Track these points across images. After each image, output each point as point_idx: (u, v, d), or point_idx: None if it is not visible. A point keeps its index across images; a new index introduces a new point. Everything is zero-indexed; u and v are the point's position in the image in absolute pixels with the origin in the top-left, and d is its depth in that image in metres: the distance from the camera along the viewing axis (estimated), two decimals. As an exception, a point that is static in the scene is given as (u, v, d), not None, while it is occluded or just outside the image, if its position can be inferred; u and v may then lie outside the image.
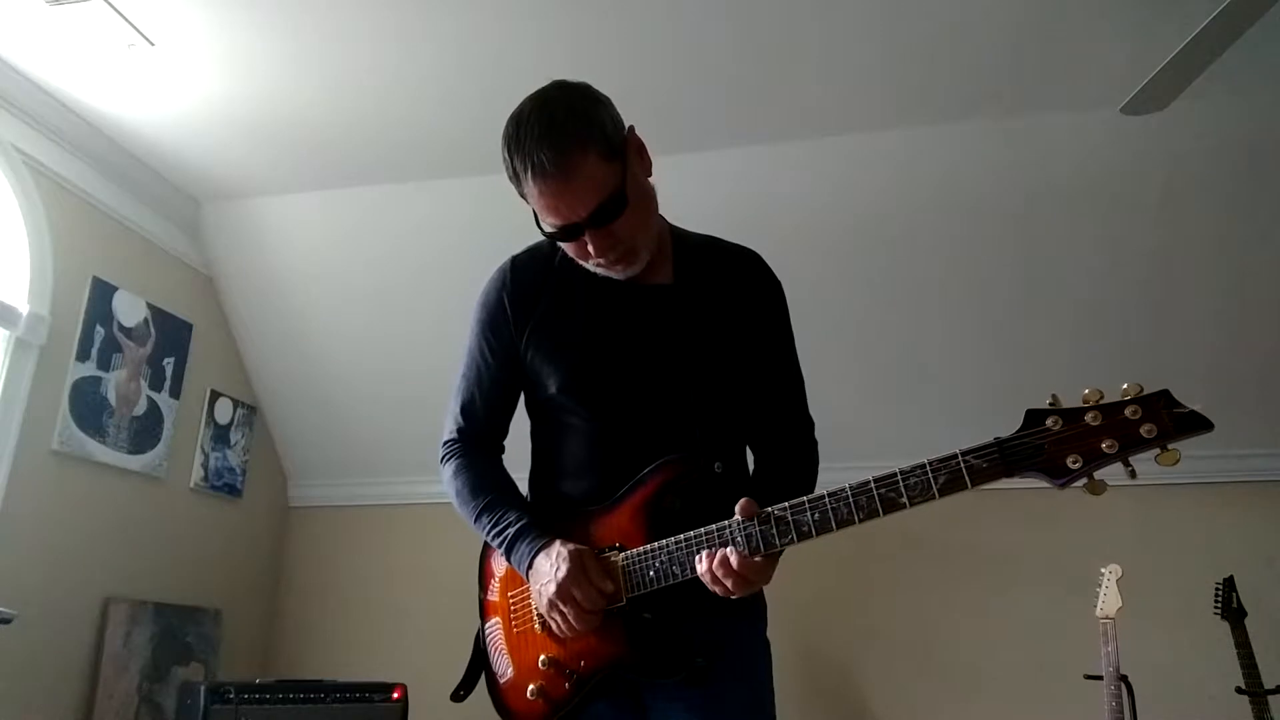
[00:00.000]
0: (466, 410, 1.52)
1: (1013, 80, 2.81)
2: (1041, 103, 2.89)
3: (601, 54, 2.75)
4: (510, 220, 3.46)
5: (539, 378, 1.45)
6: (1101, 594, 2.58)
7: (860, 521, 1.19)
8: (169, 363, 3.49)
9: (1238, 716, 2.62)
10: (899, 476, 1.17)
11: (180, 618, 3.42)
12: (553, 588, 1.31)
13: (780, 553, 1.27)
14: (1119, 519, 3.32)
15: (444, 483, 1.53)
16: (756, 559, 1.24)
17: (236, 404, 3.88)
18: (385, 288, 3.71)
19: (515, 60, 2.78)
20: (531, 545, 1.36)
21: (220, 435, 3.77)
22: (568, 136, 1.27)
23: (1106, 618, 2.55)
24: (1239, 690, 2.60)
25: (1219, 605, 2.69)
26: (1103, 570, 2.62)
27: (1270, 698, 2.57)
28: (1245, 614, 2.66)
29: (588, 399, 1.42)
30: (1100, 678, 2.54)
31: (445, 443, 1.55)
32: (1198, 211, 3.03)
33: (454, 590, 3.88)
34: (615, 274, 1.39)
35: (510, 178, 1.34)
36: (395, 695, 3.11)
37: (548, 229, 1.35)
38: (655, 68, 2.79)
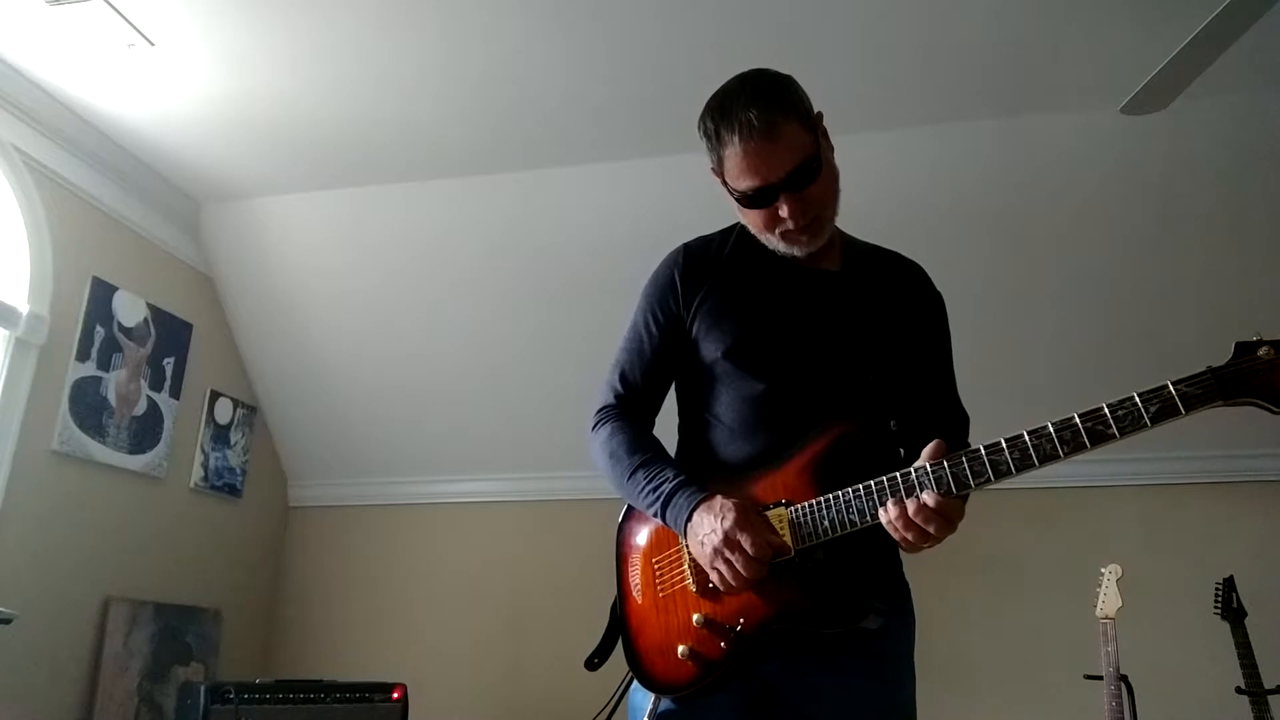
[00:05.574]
0: (624, 379, 1.54)
1: (1012, 80, 2.81)
2: (1041, 103, 2.89)
3: (600, 55, 2.75)
4: (509, 220, 3.48)
5: (706, 341, 1.47)
6: (1101, 594, 2.58)
7: (1065, 456, 1.17)
8: (169, 363, 3.49)
9: (1238, 716, 2.62)
10: (1105, 409, 1.16)
11: (180, 618, 3.42)
12: (717, 537, 1.29)
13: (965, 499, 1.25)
14: (1119, 519, 3.32)
15: (594, 447, 1.53)
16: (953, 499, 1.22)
17: (236, 404, 3.88)
18: (385, 287, 3.71)
19: (515, 61, 2.78)
20: (690, 498, 1.35)
21: (220, 435, 3.77)
22: (774, 102, 1.35)
23: (1106, 618, 2.55)
24: (1239, 690, 2.60)
25: (1219, 605, 2.69)
26: (1103, 570, 2.62)
27: (1270, 698, 2.56)
28: (1245, 614, 2.66)
29: (755, 361, 1.43)
30: (1100, 678, 2.53)
31: (599, 409, 1.55)
32: (1197, 211, 3.03)
33: (454, 590, 3.92)
34: (798, 247, 1.42)
35: (711, 144, 1.40)
36: (395, 695, 3.11)
37: (742, 191, 1.39)
38: (648, 69, 2.79)
